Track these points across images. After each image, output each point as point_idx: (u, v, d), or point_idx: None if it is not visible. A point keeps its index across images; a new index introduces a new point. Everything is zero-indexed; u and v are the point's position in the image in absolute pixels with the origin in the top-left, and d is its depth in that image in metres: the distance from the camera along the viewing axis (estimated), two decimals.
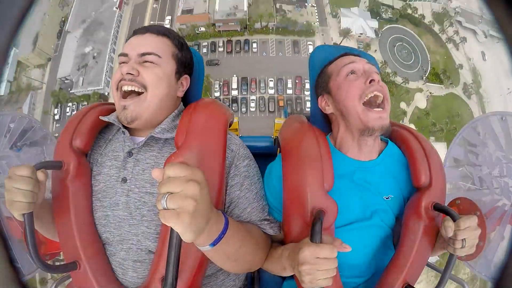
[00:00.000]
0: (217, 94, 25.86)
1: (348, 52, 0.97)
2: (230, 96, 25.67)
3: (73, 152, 0.81)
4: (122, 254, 0.81)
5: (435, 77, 27.93)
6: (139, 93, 0.81)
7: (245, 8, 30.03)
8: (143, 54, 0.82)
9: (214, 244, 0.64)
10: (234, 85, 25.91)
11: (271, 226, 0.86)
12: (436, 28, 31.78)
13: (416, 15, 32.00)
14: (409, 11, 32.14)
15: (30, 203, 0.68)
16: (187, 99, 0.95)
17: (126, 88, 0.80)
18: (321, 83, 0.95)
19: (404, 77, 26.94)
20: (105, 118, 0.85)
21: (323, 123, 0.99)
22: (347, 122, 0.88)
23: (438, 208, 0.80)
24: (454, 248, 0.73)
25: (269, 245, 0.86)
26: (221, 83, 26.02)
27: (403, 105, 26.17)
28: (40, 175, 0.71)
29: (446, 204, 0.88)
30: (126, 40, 0.87)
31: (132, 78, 0.79)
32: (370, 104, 0.84)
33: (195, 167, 0.56)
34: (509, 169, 1.35)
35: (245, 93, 25.86)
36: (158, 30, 0.86)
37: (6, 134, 1.31)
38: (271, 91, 25.62)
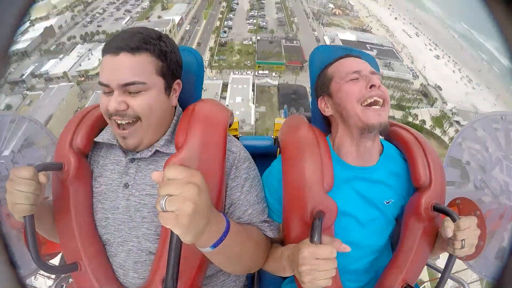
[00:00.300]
0: None
1: (349, 53, 0.95)
2: None
3: (73, 153, 0.81)
4: (123, 256, 0.81)
5: None
6: (134, 121, 0.77)
7: (252, 122, 31.09)
8: (126, 85, 0.72)
9: (215, 246, 0.64)
10: None
11: (271, 228, 0.86)
12: (438, 131, 33.61)
13: (417, 122, 33.96)
14: (410, 118, 34.26)
15: (32, 205, 0.68)
16: (187, 100, 0.94)
17: (119, 122, 0.76)
18: (321, 84, 0.94)
19: None
20: (99, 139, 0.84)
21: (323, 124, 0.99)
22: (346, 123, 0.87)
23: (437, 208, 0.80)
24: (454, 249, 0.73)
25: (269, 246, 0.86)
26: None
27: None
28: (41, 177, 0.71)
29: (446, 204, 0.88)
30: (104, 49, 0.75)
31: (122, 113, 0.74)
32: (369, 105, 0.84)
33: (195, 168, 0.57)
34: (509, 169, 1.35)
35: None
36: (133, 47, 0.72)
37: (7, 135, 1.31)
38: None
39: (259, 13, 77.52)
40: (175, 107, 0.89)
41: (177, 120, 0.86)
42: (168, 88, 0.80)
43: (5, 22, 0.36)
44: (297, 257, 0.66)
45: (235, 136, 1.51)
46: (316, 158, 0.82)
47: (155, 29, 0.80)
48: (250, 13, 77.21)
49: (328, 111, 0.91)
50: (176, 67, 0.81)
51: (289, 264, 0.73)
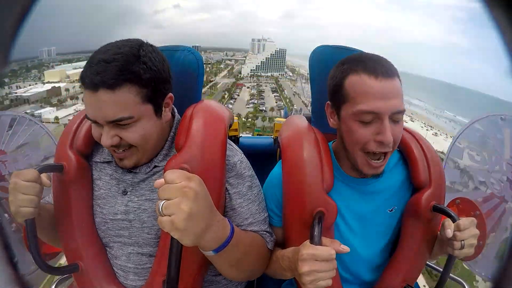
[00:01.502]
0: None
1: (379, 74, 0.72)
2: None
3: (73, 154, 0.81)
4: (123, 259, 0.81)
5: None
6: (130, 147, 0.75)
7: None
8: (113, 121, 0.68)
9: (218, 250, 0.63)
10: None
11: (270, 239, 0.84)
12: None
13: None
14: None
15: (35, 208, 0.68)
16: (187, 101, 0.92)
17: (116, 151, 0.74)
18: (333, 92, 0.80)
19: None
20: (97, 159, 0.84)
21: (324, 124, 0.98)
22: (346, 150, 0.81)
23: (437, 209, 0.80)
24: (453, 249, 0.73)
25: (269, 255, 0.84)
26: None
27: None
28: (45, 180, 0.70)
29: (445, 204, 0.88)
30: (81, 81, 0.68)
31: (116, 145, 0.72)
32: (373, 154, 0.76)
33: (195, 170, 0.57)
34: (509, 169, 1.35)
35: None
36: (110, 84, 0.65)
37: (7, 134, 1.31)
38: None
39: (259, 102, 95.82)
40: (174, 115, 0.86)
41: (175, 132, 0.83)
42: (158, 110, 0.75)
43: (5, 22, 0.35)
44: (297, 259, 0.66)
45: (235, 136, 1.51)
46: (315, 158, 0.82)
47: (131, 39, 0.73)
48: (251, 101, 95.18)
49: (333, 124, 0.83)
50: (164, 84, 0.74)
51: (289, 266, 0.73)
